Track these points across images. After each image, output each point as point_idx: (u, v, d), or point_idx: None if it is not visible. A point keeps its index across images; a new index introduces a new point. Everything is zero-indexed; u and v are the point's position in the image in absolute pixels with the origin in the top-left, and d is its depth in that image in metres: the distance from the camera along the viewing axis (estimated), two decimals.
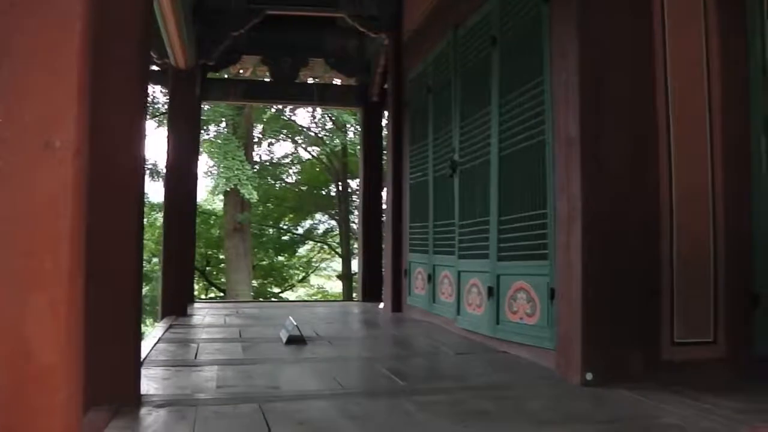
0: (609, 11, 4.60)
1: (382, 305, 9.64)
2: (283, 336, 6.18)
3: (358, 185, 16.15)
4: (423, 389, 4.39)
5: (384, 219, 10.38)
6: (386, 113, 10.44)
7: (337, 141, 22.01)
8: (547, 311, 4.96)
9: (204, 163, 20.49)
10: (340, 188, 23.78)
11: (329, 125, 22.93)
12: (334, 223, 25.36)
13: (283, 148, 27.95)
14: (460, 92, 6.96)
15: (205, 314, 8.85)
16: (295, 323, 6.31)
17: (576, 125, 4.44)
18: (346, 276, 22.85)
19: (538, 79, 5.17)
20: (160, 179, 20.30)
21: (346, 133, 21.86)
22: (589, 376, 4.32)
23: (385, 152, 10.71)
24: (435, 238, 7.61)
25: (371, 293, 10.92)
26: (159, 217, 19.28)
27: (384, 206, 10.55)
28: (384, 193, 10.60)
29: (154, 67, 9.26)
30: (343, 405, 3.89)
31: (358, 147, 13.26)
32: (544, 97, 5.06)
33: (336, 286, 26.69)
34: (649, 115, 4.65)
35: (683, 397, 3.98)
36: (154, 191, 23.07)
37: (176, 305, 8.56)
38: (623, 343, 4.40)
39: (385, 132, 11.23)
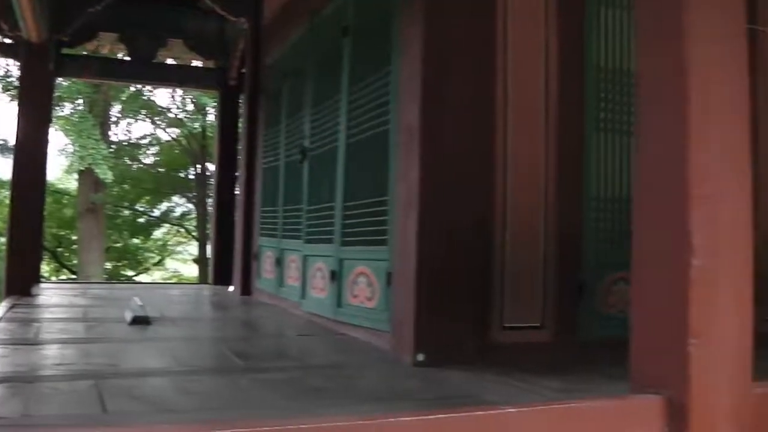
0: (454, 8, 4.76)
1: (232, 288, 9.67)
2: (128, 316, 6.16)
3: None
4: (261, 368, 4.48)
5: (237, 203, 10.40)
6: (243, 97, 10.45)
7: (197, 123, 21.78)
8: (385, 295, 5.12)
9: (59, 141, 19.95)
10: (199, 171, 23.54)
11: (190, 107, 22.65)
12: (191, 206, 25.09)
13: (141, 128, 27.48)
14: (313, 80, 7.07)
15: (52, 295, 8.67)
16: (140, 303, 6.30)
17: (417, 116, 4.60)
18: (201, 260, 22.66)
19: (386, 69, 5.31)
20: (11, 156, 19.64)
21: (206, 115, 21.64)
22: (420, 357, 4.49)
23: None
24: (284, 222, 7.70)
25: (223, 277, 10.90)
26: (7, 195, 18.69)
27: (237, 190, 10.56)
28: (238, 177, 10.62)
29: (5, 40, 9.04)
30: (180, 382, 3.94)
31: None
32: (390, 88, 5.20)
33: (192, 270, 26.42)
34: (488, 108, 4.86)
35: (508, 378, 4.19)
36: (3, 168, 22.33)
37: (21, 285, 8.37)
38: (455, 326, 4.58)
39: (242, 116, 11.23)
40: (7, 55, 10.49)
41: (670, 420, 2.83)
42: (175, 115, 23.00)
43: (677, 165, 2.81)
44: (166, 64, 12.14)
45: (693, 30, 2.85)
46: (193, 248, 25.95)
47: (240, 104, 11.28)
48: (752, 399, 2.99)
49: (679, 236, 2.79)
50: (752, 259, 2.95)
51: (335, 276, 5.93)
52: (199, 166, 23.52)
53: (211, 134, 21.66)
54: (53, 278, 22.66)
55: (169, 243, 27.38)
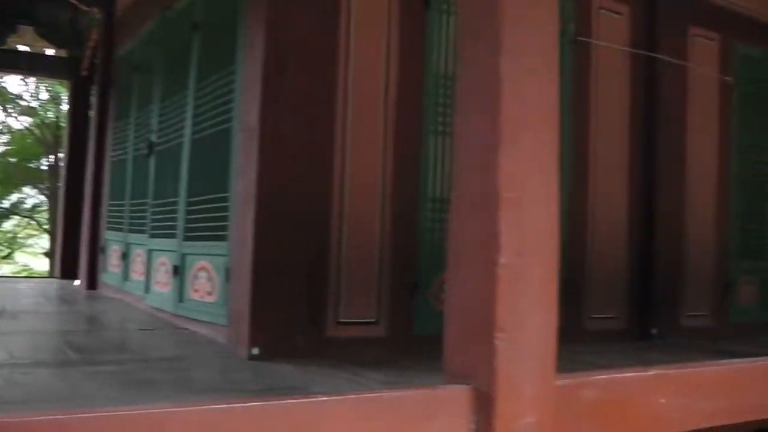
0: (298, 11, 4.86)
1: (78, 282, 9.52)
2: None
3: None
4: (96, 361, 4.48)
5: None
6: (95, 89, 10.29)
7: (50, 113, 21.21)
8: (224, 290, 5.18)
9: None
10: (53, 162, 22.90)
11: (44, 95, 22.04)
12: (43, 198, 24.39)
13: None
14: (163, 74, 7.05)
15: None
16: None
17: (257, 115, 4.68)
18: (52, 253, 22.06)
19: (231, 68, 5.37)
20: None
21: (60, 104, 21.11)
22: (255, 351, 4.57)
23: None
24: (131, 216, 7.66)
25: (71, 270, 10.70)
26: None
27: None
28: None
29: None
30: (10, 374, 3.91)
31: None
32: (235, 86, 5.27)
33: (43, 264, 25.66)
34: (328, 110, 4.98)
35: (338, 371, 4.32)
36: None
37: None
38: (290, 320, 4.69)
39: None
40: None
41: (478, 409, 2.98)
42: (28, 103, 22.34)
43: (489, 170, 2.97)
44: (17, 50, 11.82)
45: (507, 42, 3.02)
46: (45, 241, 25.23)
47: (92, 95, 11.10)
48: (555, 390, 3.19)
49: (488, 236, 2.95)
50: (557, 258, 3.14)
51: (178, 271, 5.95)
52: (52, 156, 22.87)
53: (65, 124, 21.11)
54: None
55: (19, 236, 26.52)
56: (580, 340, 6.08)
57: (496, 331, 2.94)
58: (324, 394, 2.87)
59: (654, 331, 6.52)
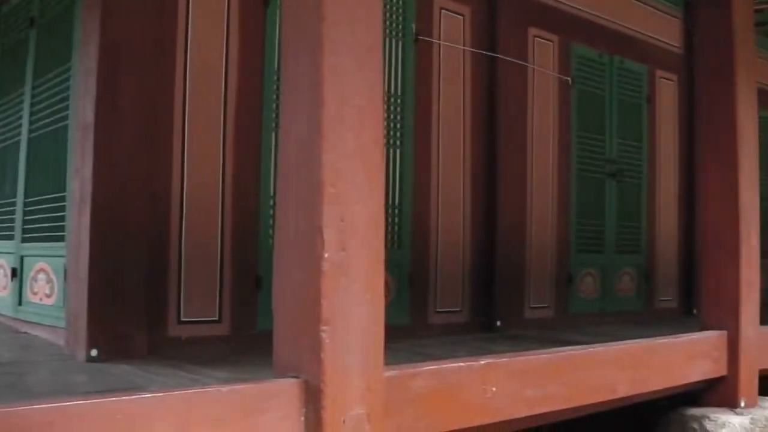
0: (134, 7, 4.78)
1: None
2: None
3: None
4: None
5: None
6: None
7: None
8: (63, 292, 5.08)
9: None
10: None
11: None
12: None
13: None
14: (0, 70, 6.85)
15: None
16: None
17: (92, 113, 4.60)
18: None
19: (68, 65, 5.26)
20: None
21: None
22: (94, 353, 4.50)
23: None
24: None
25: None
26: None
27: None
28: None
29: None
30: None
31: None
32: (71, 83, 5.17)
33: None
34: (167, 106, 4.95)
35: (178, 370, 4.29)
36: None
37: None
38: (129, 321, 4.62)
39: None
40: None
41: (307, 402, 3.03)
42: None
43: (312, 165, 3.03)
44: None
45: (330, 40, 3.08)
46: None
47: None
48: (384, 381, 3.26)
49: (312, 231, 3.01)
50: (383, 252, 3.22)
51: (16, 273, 5.80)
52: None
53: None
54: None
55: None
56: (426, 334, 6.23)
57: (322, 324, 2.99)
58: (150, 391, 2.88)
59: (498, 323, 6.71)
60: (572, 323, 7.45)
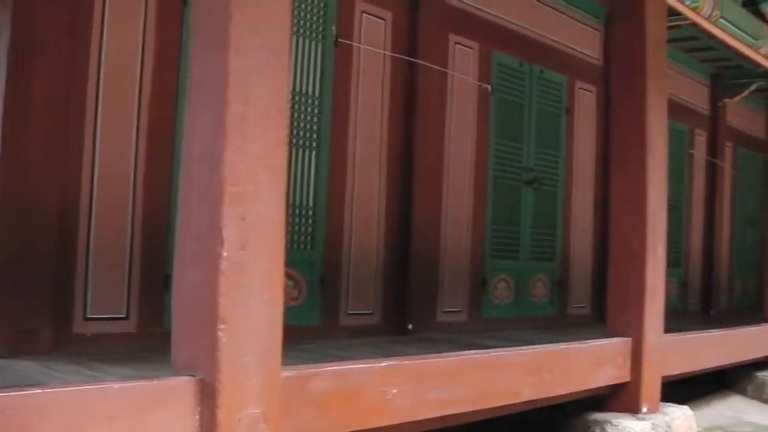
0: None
1: None
2: None
3: None
4: None
5: None
6: None
7: None
8: None
9: None
10: None
11: None
12: None
13: None
14: None
15: None
16: None
17: (0, 102, 4.52)
18: None
19: None
20: None
21: None
22: None
23: None
24: None
25: None
26: None
27: None
28: None
29: None
30: None
31: None
32: None
33: None
34: (79, 100, 4.87)
35: (82, 367, 4.25)
36: None
37: None
38: (33, 316, 4.55)
39: None
40: None
41: (203, 400, 3.03)
42: None
43: (214, 163, 3.03)
44: None
45: (236, 39, 3.08)
46: None
47: None
48: (282, 381, 3.28)
49: (212, 229, 3.01)
50: (283, 252, 3.24)
51: None
52: None
53: None
54: None
55: None
56: (337, 335, 6.25)
57: (219, 323, 3.00)
58: (41, 386, 2.85)
59: (410, 326, 6.75)
60: (485, 328, 7.53)
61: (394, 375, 3.93)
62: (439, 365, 4.28)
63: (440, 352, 4.68)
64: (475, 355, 4.60)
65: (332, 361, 3.86)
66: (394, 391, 3.90)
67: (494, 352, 4.76)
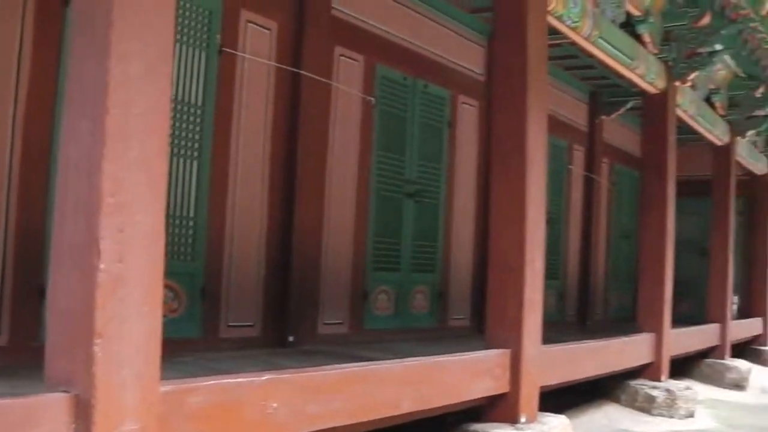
0: None
1: None
2: None
3: None
4: None
5: None
6: None
7: None
8: None
9: None
10: None
11: None
12: None
13: None
14: None
15: None
16: None
17: None
18: None
19: None
20: None
21: None
22: None
23: None
24: None
25: None
26: None
27: None
28: None
29: None
30: None
31: None
32: None
33: None
34: None
35: None
36: None
37: None
38: None
39: None
40: None
41: (77, 417, 2.94)
42: None
43: (92, 173, 2.95)
44: None
45: (119, 48, 3.01)
46: None
47: None
48: (160, 396, 3.21)
49: (88, 241, 2.93)
50: (162, 265, 3.17)
51: None
52: None
53: None
54: None
55: None
56: (218, 348, 6.16)
57: (95, 337, 2.92)
58: None
59: (291, 338, 6.71)
60: (367, 340, 7.54)
61: (274, 389, 3.89)
62: (319, 378, 4.26)
63: (321, 365, 4.64)
64: (354, 368, 4.60)
65: (212, 375, 3.81)
66: (275, 405, 3.86)
67: (374, 365, 4.76)
